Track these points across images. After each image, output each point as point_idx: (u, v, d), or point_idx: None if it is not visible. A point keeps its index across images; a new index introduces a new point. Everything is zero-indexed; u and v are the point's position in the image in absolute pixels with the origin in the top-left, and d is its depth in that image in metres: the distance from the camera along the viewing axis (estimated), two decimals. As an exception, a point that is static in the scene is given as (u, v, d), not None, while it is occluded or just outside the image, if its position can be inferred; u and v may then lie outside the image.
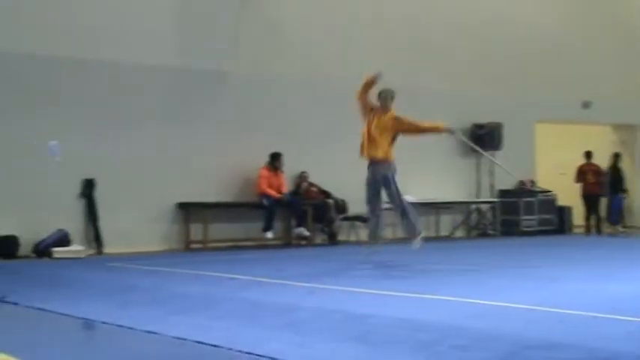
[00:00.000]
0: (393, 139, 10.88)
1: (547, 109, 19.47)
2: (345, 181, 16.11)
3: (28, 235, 13.05)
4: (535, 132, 19.76)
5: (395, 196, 10.77)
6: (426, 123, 11.11)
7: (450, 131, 11.55)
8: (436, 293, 7.35)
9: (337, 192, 16.11)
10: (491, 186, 18.67)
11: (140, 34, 14.44)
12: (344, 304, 6.76)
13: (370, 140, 10.75)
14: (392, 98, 10.92)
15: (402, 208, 10.85)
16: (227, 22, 15.45)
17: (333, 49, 16.68)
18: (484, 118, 18.20)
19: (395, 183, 10.74)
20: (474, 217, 18.68)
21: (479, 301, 6.79)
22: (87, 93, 13.91)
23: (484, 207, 18.60)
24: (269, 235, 14.80)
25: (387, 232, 16.96)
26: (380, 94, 10.92)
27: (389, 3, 17.48)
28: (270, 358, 4.70)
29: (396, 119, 10.83)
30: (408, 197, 16.79)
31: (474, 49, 18.57)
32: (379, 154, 10.71)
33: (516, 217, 18.29)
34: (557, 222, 18.80)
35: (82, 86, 13.87)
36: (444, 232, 17.76)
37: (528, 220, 18.36)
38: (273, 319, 6.08)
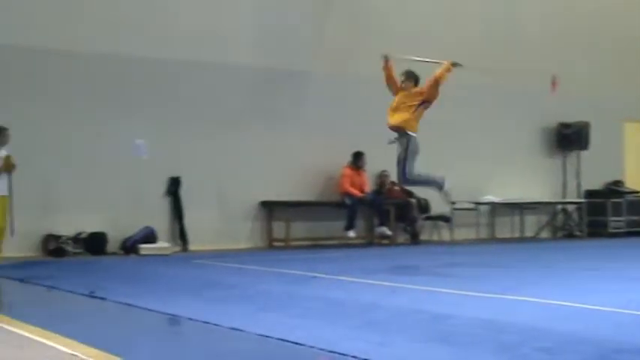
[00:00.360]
0: (417, 110, 10.76)
1: (636, 107, 18.99)
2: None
3: (115, 232, 13.35)
4: (623, 131, 19.30)
5: (400, 167, 10.59)
6: (436, 72, 10.86)
7: (458, 65, 11.37)
8: (519, 294, 7.26)
9: (419, 191, 16.03)
10: (578, 186, 18.33)
11: (225, 35, 14.62)
12: (425, 303, 6.74)
13: (391, 109, 10.78)
14: (409, 78, 10.89)
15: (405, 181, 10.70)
16: (311, 22, 15.53)
17: (418, 49, 16.55)
18: (570, 117, 17.87)
19: (406, 154, 10.57)
20: (560, 217, 18.36)
21: (564, 303, 6.68)
22: (174, 93, 14.15)
23: (570, 208, 18.27)
24: (351, 234, 14.83)
25: (470, 232, 16.89)
26: (401, 75, 10.94)
27: None
28: (352, 356, 4.72)
29: (419, 89, 10.79)
30: (491, 197, 16.72)
31: (561, 46, 18.23)
32: (396, 119, 10.66)
33: (604, 218, 17.90)
34: (646, 223, 18.36)
35: (169, 86, 14.11)
36: (528, 233, 17.51)
37: (616, 222, 17.95)
38: (355, 317, 6.10)
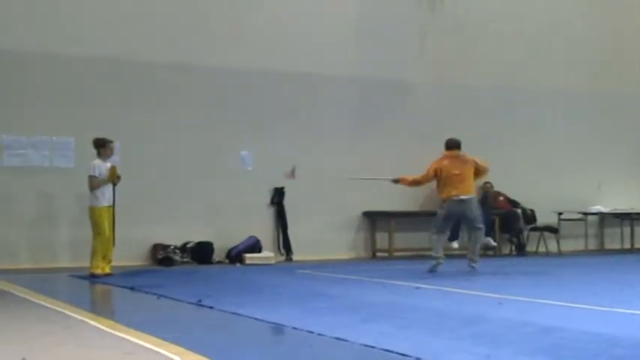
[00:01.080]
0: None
1: None
2: (535, 191, 15.81)
3: (221, 242, 13.58)
4: None
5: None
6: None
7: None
8: (631, 307, 7.05)
9: (525, 202, 15.78)
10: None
11: (327, 45, 14.72)
12: (533, 315, 6.61)
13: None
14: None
15: None
16: (413, 32, 15.47)
17: (520, 59, 16.36)
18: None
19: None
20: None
21: (679, 318, 6.46)
22: (275, 104, 14.33)
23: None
24: (455, 244, 14.65)
25: (578, 243, 16.50)
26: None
27: (580, 7, 16.94)
28: (459, 369, 4.66)
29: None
30: (600, 207, 16.29)
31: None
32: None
33: None
34: None
35: (272, 97, 14.30)
36: (639, 245, 16.98)
37: None
38: (461, 329, 6.03)
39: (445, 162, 11.36)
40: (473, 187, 11.34)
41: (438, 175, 11.36)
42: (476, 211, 11.23)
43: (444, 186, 11.31)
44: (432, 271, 11.11)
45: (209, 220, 13.66)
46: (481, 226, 11.31)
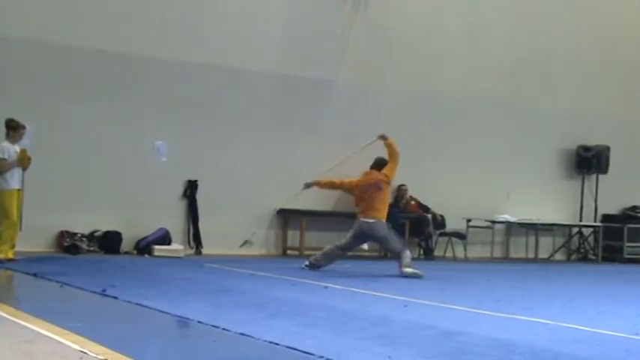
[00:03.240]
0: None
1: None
2: (445, 197, 16.04)
3: (130, 232, 13.40)
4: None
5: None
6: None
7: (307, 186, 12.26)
8: (532, 315, 7.23)
9: (437, 207, 16.00)
10: (595, 210, 18.21)
11: (250, 40, 14.66)
12: (437, 319, 6.72)
13: None
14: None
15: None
16: (336, 32, 15.53)
17: (443, 63, 16.60)
18: (591, 141, 17.79)
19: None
20: (575, 240, 18.26)
21: (577, 326, 6.65)
22: (195, 96, 14.19)
23: (586, 231, 18.15)
24: (364, 246, 14.76)
25: (484, 250, 16.82)
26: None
27: (501, 17, 17.27)
28: (361, 368, 4.70)
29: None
30: (507, 217, 16.65)
31: (584, 70, 18.16)
32: None
33: (619, 244, 17.79)
34: (663, 251, 18.20)
35: (191, 89, 14.16)
36: (543, 254, 17.41)
37: (632, 247, 17.82)
38: (365, 330, 6.09)
39: (363, 180, 11.55)
40: (382, 211, 11.39)
41: (356, 190, 11.58)
42: (384, 233, 11.31)
43: (357, 203, 11.59)
44: (307, 267, 11.36)
45: (119, 210, 13.46)
46: (397, 247, 11.36)
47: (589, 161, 17.76)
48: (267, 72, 14.78)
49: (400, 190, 15.85)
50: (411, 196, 15.93)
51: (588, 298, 9.46)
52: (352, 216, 15.28)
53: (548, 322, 6.87)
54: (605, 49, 18.37)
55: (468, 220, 16.30)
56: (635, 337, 6.29)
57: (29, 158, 11.07)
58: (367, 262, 13.97)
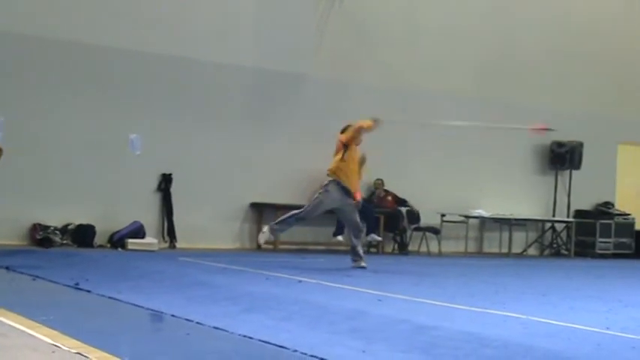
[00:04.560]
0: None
1: (631, 129, 19.05)
2: (420, 192, 16.11)
3: (104, 226, 13.34)
4: (617, 153, 19.36)
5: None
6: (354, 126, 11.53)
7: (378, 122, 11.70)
8: (504, 310, 7.28)
9: (412, 202, 16.05)
10: (568, 205, 18.36)
11: (223, 33, 14.64)
12: (411, 314, 6.75)
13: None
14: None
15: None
16: (311, 26, 15.53)
17: (418, 59, 16.65)
18: (565, 136, 17.90)
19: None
20: (548, 235, 18.40)
21: (549, 321, 6.70)
22: (171, 89, 14.14)
23: (559, 226, 18.30)
24: (340, 238, 14.80)
25: (458, 245, 16.91)
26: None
27: (475, 13, 17.35)
28: (334, 362, 4.72)
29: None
30: (481, 212, 16.73)
31: (558, 65, 18.28)
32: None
33: (592, 239, 17.96)
34: (634, 246, 18.38)
35: (165, 82, 14.11)
36: (516, 249, 17.53)
37: (604, 243, 18.01)
38: (339, 324, 6.10)
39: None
40: (332, 169, 11.38)
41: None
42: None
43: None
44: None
45: (93, 203, 13.39)
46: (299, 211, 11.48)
47: (562, 157, 17.91)
48: (242, 66, 14.75)
49: (375, 185, 15.91)
50: (386, 190, 15.97)
51: (560, 293, 9.53)
52: (327, 210, 15.37)
53: (521, 316, 6.92)
54: (579, 44, 18.49)
55: (442, 215, 16.38)
56: (606, 331, 6.35)
57: (1, 150, 10.97)
58: (342, 257, 13.99)
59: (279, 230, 11.59)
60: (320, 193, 11.37)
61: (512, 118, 17.55)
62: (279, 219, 11.62)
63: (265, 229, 11.58)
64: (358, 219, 11.45)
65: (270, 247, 14.57)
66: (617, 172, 19.32)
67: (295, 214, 11.42)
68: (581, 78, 18.57)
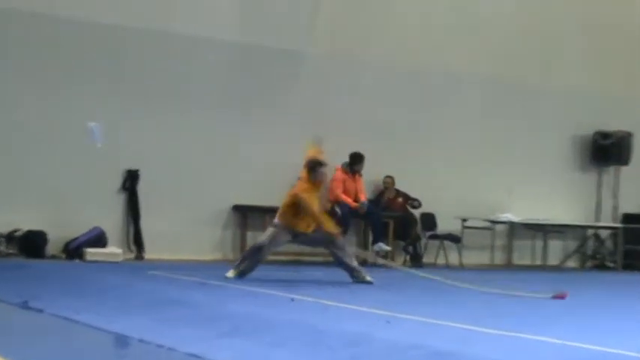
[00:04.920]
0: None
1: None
2: (436, 193, 16.10)
3: (57, 232, 13.35)
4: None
5: None
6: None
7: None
8: (537, 333, 7.30)
9: (426, 204, 16.06)
10: (614, 208, 18.40)
11: (204, 3, 14.64)
12: (425, 338, 6.77)
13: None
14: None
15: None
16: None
17: (432, 37, 16.64)
18: (610, 126, 17.94)
19: None
20: (591, 244, 18.44)
21: (589, 346, 6.73)
22: (136, 69, 14.14)
23: (603, 233, 18.34)
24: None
25: (482, 256, 16.94)
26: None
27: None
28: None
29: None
30: (510, 216, 16.76)
31: (601, 38, 18.28)
32: None
33: (643, 249, 18.02)
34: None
35: (131, 61, 14.11)
36: (552, 261, 17.58)
37: (658, 253, 18.06)
38: (340, 350, 6.12)
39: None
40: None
41: None
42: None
43: None
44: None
45: (44, 206, 13.41)
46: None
47: (607, 150, 17.92)
48: (224, 41, 14.77)
49: (385, 183, 15.87)
50: (397, 190, 15.94)
51: (604, 313, 9.56)
52: (325, 214, 15.41)
53: (557, 341, 6.94)
54: (626, 18, 18.50)
55: (464, 220, 16.41)
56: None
57: None
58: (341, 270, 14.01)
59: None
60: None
61: (547, 103, 17.62)
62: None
63: None
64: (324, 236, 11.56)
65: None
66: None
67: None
68: (629, 57, 18.57)
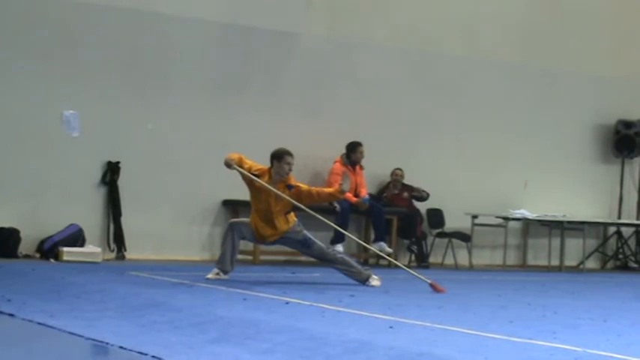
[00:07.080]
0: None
1: None
2: (443, 186, 16.11)
3: (31, 230, 13.36)
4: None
5: None
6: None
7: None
8: (554, 340, 7.32)
9: (433, 199, 16.06)
10: (639, 204, 18.42)
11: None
12: (432, 345, 6.78)
13: None
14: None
15: None
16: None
17: (440, 14, 16.64)
18: (634, 114, 17.95)
19: None
20: (613, 243, 18.46)
21: (610, 354, 6.75)
22: (115, 52, 14.13)
23: (627, 231, 18.35)
24: (339, 248, 14.85)
25: (494, 256, 16.96)
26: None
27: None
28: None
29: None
30: (524, 212, 16.76)
31: (624, 18, 18.30)
32: None
33: (670, 248, 18.05)
34: None
35: (110, 43, 14.09)
36: (570, 262, 17.59)
37: (686, 253, 18.09)
38: (340, 358, 6.13)
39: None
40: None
41: None
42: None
43: None
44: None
45: (16, 202, 13.43)
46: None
47: (632, 140, 17.94)
48: (211, 21, 14.76)
49: (395, 176, 15.81)
50: (403, 185, 15.90)
51: (627, 318, 9.58)
52: (323, 210, 15.48)
53: (576, 348, 6.96)
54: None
55: (474, 217, 16.42)
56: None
57: None
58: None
59: None
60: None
61: (565, 89, 17.65)
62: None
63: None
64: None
65: (249, 258, 14.61)
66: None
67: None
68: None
